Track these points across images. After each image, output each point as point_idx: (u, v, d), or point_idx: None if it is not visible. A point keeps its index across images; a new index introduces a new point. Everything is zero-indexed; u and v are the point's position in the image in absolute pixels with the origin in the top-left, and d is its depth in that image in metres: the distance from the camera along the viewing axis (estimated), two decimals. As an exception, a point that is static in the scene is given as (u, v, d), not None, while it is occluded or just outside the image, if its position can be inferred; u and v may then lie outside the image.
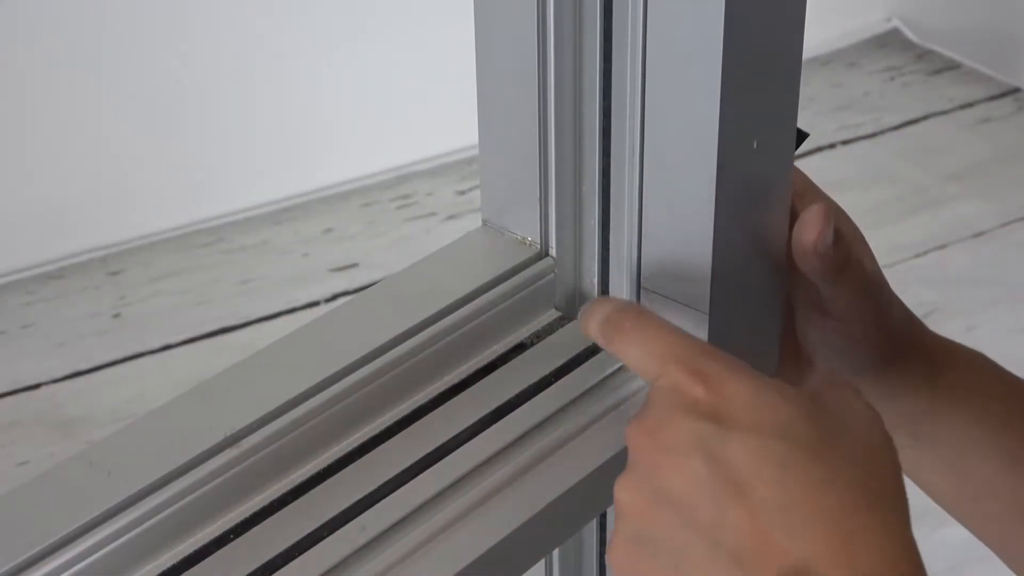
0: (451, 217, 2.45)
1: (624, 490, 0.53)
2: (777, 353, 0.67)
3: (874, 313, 0.66)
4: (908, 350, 0.69)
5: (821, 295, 0.65)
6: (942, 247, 2.38)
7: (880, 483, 0.51)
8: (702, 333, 0.61)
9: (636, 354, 0.56)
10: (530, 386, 0.63)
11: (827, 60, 2.89)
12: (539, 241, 0.67)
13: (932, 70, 2.87)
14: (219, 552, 0.56)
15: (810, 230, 0.62)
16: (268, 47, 2.38)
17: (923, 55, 2.92)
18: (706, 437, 0.50)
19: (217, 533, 0.57)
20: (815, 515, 0.49)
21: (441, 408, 0.62)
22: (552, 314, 0.67)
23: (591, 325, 0.59)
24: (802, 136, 0.64)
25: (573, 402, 0.63)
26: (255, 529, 0.57)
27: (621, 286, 0.65)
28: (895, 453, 0.52)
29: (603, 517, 0.72)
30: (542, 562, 0.73)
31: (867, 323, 0.66)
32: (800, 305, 0.67)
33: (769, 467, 0.49)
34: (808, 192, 0.67)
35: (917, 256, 2.35)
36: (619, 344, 0.57)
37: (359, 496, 0.58)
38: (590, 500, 0.61)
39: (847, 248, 0.63)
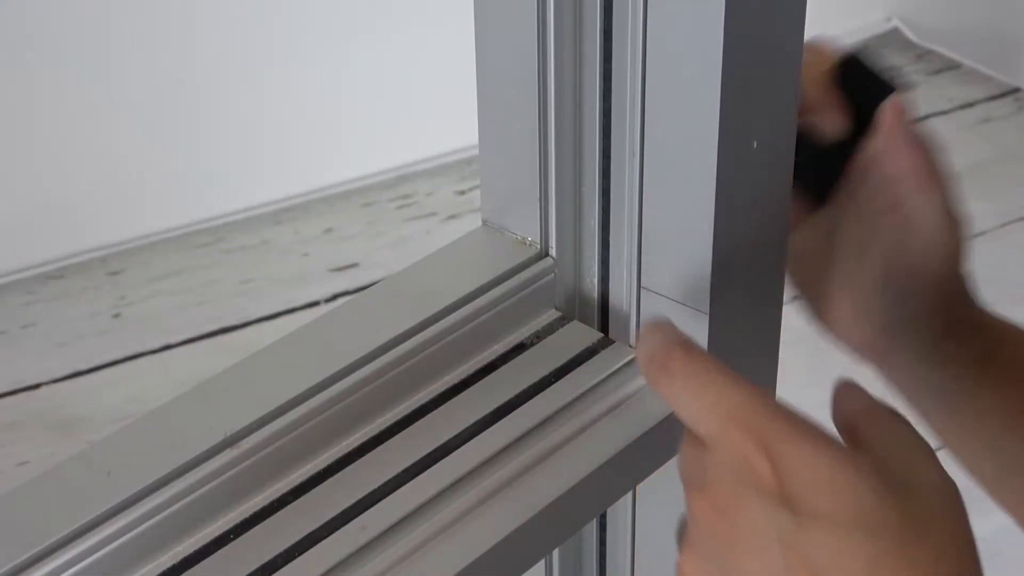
0: (451, 217, 2.45)
1: (692, 564, 0.51)
2: (777, 353, 0.67)
3: (952, 253, 0.67)
4: (968, 322, 0.69)
5: (903, 205, 0.66)
6: (942, 247, 2.37)
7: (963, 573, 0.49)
8: (702, 333, 0.61)
9: (688, 406, 0.50)
10: (530, 386, 0.63)
11: (827, 60, 2.88)
12: (539, 241, 0.67)
13: (932, 70, 2.87)
14: (219, 552, 0.56)
15: (893, 115, 0.64)
16: (268, 47, 2.38)
17: (923, 55, 2.92)
18: (782, 528, 0.48)
19: (217, 533, 0.57)
20: None
21: (441, 408, 0.62)
22: (552, 314, 0.67)
23: (640, 358, 0.53)
24: (887, 89, 0.65)
25: (573, 402, 0.63)
26: (255, 529, 0.57)
27: (621, 286, 0.65)
28: (971, 530, 0.50)
29: (603, 517, 0.72)
30: (542, 562, 0.73)
31: (937, 269, 0.67)
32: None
33: (855, 564, 0.47)
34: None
35: (917, 256, 2.35)
36: (666, 388, 0.51)
37: (359, 496, 0.58)
38: (590, 500, 0.61)
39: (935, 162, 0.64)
